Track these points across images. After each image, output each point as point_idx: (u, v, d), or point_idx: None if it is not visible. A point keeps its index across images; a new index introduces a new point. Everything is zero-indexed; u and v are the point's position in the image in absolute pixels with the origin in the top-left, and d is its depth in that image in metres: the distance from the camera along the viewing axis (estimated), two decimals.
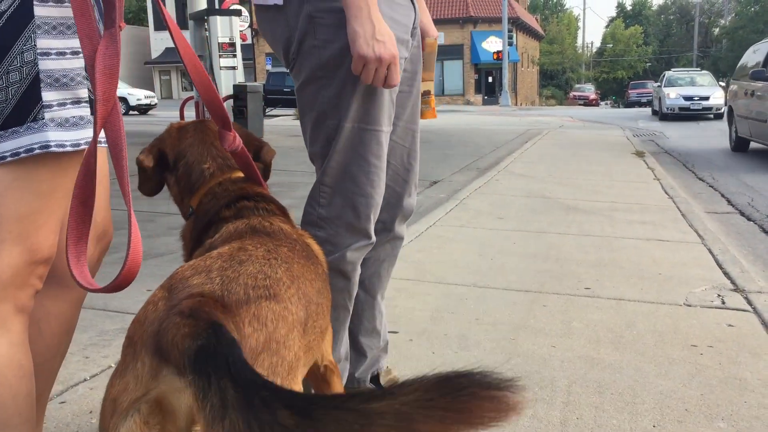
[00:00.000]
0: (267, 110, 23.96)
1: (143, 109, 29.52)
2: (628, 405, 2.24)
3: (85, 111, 1.24)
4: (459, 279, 3.63)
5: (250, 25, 19.02)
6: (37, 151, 1.18)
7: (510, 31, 38.17)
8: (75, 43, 1.22)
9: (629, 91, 44.94)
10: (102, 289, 1.13)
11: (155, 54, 44.92)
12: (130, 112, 28.72)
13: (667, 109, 21.41)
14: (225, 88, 14.32)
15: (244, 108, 13.76)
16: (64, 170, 1.24)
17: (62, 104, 1.21)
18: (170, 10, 42.33)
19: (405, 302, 3.24)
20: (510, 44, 37.85)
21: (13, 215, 1.19)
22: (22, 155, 1.17)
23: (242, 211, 1.45)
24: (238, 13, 15.53)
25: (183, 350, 0.88)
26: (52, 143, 1.19)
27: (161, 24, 42.11)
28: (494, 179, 7.60)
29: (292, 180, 7.43)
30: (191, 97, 14.15)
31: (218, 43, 14.62)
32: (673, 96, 21.60)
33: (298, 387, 1.04)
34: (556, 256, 4.20)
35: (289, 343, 1.04)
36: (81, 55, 1.22)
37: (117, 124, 1.16)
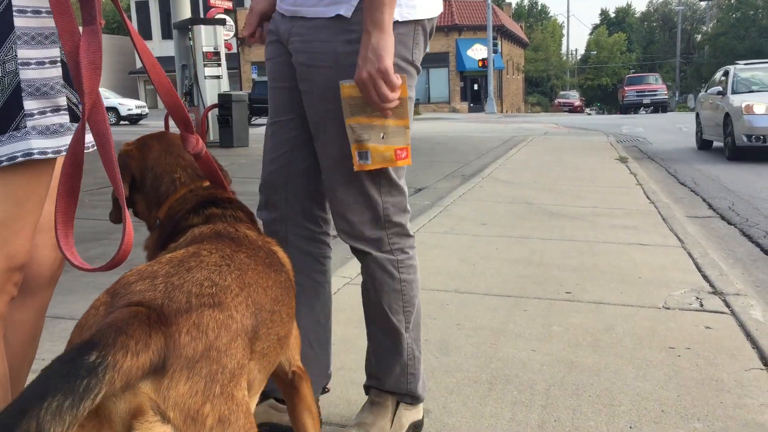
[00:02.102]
0: (252, 119, 23.94)
1: (134, 119, 29.39)
2: (606, 407, 2.27)
3: (64, 119, 1.26)
4: (441, 285, 3.65)
5: (236, 35, 19.05)
6: (20, 159, 1.19)
7: (495, 38, 38.39)
8: (53, 52, 1.24)
9: (625, 90, 35.20)
10: (98, 269, 1.19)
11: (140, 64, 44.75)
12: (121, 123, 28.53)
13: (754, 138, 10.73)
14: (210, 97, 14.34)
15: (229, 117, 13.77)
16: (38, 177, 1.25)
17: (43, 112, 1.22)
18: (154, 19, 42.29)
19: None
20: (495, 52, 38.04)
21: None
22: (4, 163, 1.18)
23: (210, 217, 1.45)
24: (222, 22, 15.56)
25: None
26: (35, 151, 1.21)
27: (146, 34, 41.98)
28: (478, 186, 7.64)
29: None
30: (214, 105, 14.11)
31: (202, 53, 14.64)
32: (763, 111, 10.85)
33: (243, 392, 1.04)
34: (538, 261, 4.23)
35: (231, 351, 1.03)
36: (59, 64, 1.24)
37: (102, 116, 1.20)
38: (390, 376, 1.98)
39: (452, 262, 4.16)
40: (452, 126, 21.82)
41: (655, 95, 31.91)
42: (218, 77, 14.83)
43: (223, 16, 17.01)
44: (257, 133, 18.10)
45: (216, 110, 14.01)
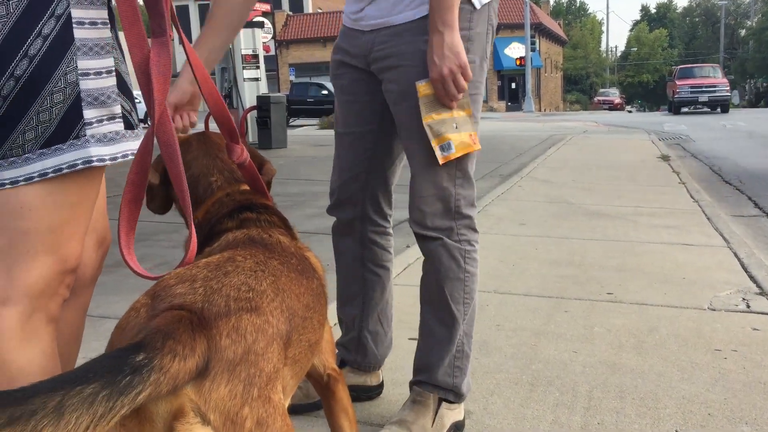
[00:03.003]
0: (290, 120, 24.14)
1: None
2: (650, 410, 2.23)
3: (119, 126, 1.29)
4: (480, 285, 3.55)
5: (273, 37, 19.24)
6: (81, 166, 1.23)
7: (533, 36, 38.08)
8: (108, 62, 1.27)
9: (676, 84, 27.50)
10: (158, 277, 1.19)
11: (179, 67, 45.44)
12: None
13: None
14: (248, 99, 14.50)
15: (267, 119, 13.91)
16: (91, 182, 1.29)
17: (100, 121, 1.26)
18: (194, 23, 42.89)
19: None
20: (533, 50, 37.73)
21: (46, 227, 1.24)
22: (65, 171, 1.22)
23: (244, 222, 1.46)
24: (260, 25, 15.72)
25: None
26: (95, 158, 1.24)
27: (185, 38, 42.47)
28: (517, 185, 7.58)
29: (313, 189, 7.48)
30: (253, 108, 14.29)
31: (241, 55, 14.81)
32: None
33: (279, 395, 1.05)
34: (579, 261, 4.18)
35: (268, 355, 1.04)
36: (114, 73, 1.28)
37: (168, 125, 1.26)
38: (439, 368, 2.03)
39: (491, 262, 4.14)
40: (490, 125, 21.70)
41: (714, 91, 25.85)
42: (257, 79, 14.98)
43: (261, 18, 17.19)
44: (295, 134, 18.28)
45: (255, 112, 14.16)
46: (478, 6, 1.90)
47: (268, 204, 1.56)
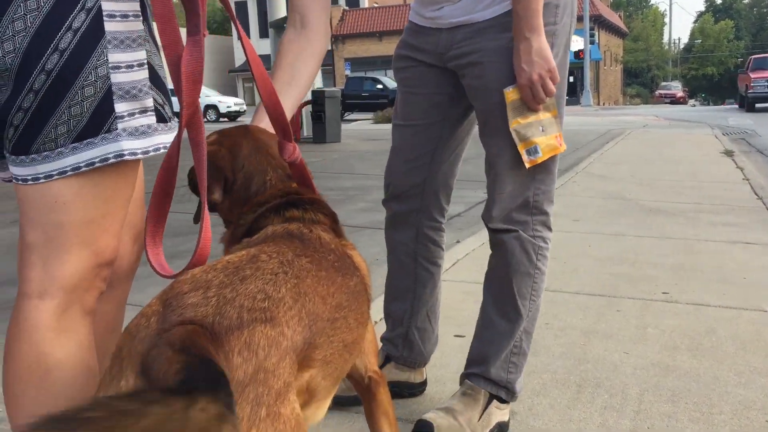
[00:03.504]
0: (345, 115, 24.25)
1: (233, 116, 30.49)
2: (704, 415, 2.14)
3: (151, 120, 1.29)
4: None
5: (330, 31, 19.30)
6: (112, 160, 1.23)
7: (592, 29, 37.33)
8: (140, 55, 1.27)
9: (750, 76, 23.65)
10: (176, 275, 1.19)
11: (239, 62, 46.20)
12: (221, 119, 29.68)
13: None
14: None
15: (322, 113, 14.00)
16: (125, 176, 1.29)
17: (132, 114, 1.25)
18: (252, 19, 43.48)
19: (473, 306, 3.16)
20: (592, 43, 36.99)
21: (80, 221, 1.24)
22: (97, 164, 1.22)
23: (288, 217, 1.43)
24: None
25: (172, 387, 0.85)
26: (126, 152, 1.24)
27: (247, 33, 43.06)
28: (571, 180, 7.43)
29: (366, 184, 7.49)
30: (308, 102, 14.44)
31: None
32: None
33: (292, 406, 1.01)
34: (633, 259, 4.07)
35: (279, 372, 1.00)
36: (146, 66, 1.27)
37: (199, 126, 1.25)
38: (495, 362, 2.02)
39: None
40: None
41: None
42: None
43: None
44: (349, 129, 18.36)
45: (309, 107, 14.27)
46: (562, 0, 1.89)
47: (317, 200, 1.52)
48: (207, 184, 1.48)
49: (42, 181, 1.20)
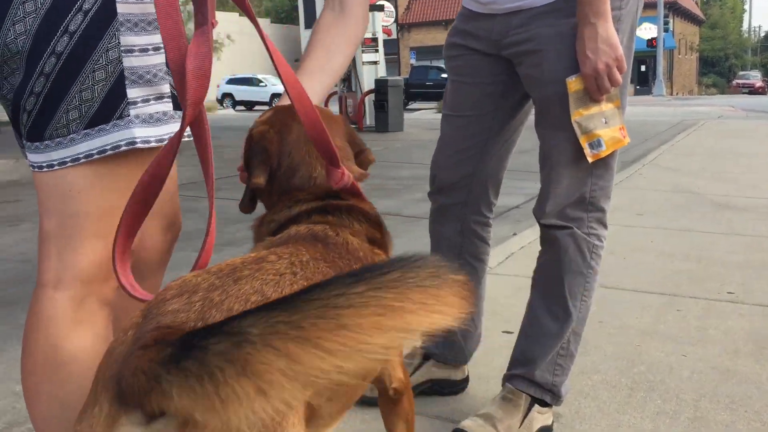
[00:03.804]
0: (408, 104, 24.14)
1: None
2: (765, 425, 2.01)
3: (167, 106, 1.25)
4: None
5: (396, 20, 19.22)
6: (124, 147, 1.20)
7: (666, 16, 36.09)
8: (156, 39, 1.22)
9: None
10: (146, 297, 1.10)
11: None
12: None
13: None
14: (366, 82, 14.59)
15: (385, 102, 13.96)
16: (142, 165, 1.25)
17: (146, 100, 1.22)
18: (319, 8, 43.64)
19: (523, 301, 3.06)
20: (665, 30, 35.75)
21: (96, 211, 1.22)
22: (109, 152, 1.19)
23: (320, 219, 1.31)
24: (380, 8, 15.73)
25: (150, 374, 0.76)
26: (138, 140, 1.20)
27: (311, 22, 43.48)
28: (638, 173, 7.18)
29: (424, 173, 7.38)
30: (335, 93, 14.51)
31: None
32: None
33: (296, 424, 0.88)
34: (698, 256, 3.88)
35: None
36: (162, 51, 1.22)
37: (204, 129, 1.16)
38: (540, 363, 1.93)
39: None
40: None
41: None
42: (375, 63, 15.05)
43: (383, 2, 17.22)
44: (412, 118, 18.25)
45: (372, 95, 14.24)
46: None
47: (357, 207, 1.36)
48: (253, 165, 1.41)
49: (56, 168, 1.18)
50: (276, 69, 1.28)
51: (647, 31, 38.65)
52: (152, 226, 1.39)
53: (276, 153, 1.41)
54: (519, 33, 1.81)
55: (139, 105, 1.20)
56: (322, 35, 1.64)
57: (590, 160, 1.77)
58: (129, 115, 1.19)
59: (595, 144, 1.76)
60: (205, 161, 1.19)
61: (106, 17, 1.17)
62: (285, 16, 53.86)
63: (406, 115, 14.81)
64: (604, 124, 1.76)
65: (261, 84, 33.85)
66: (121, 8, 1.18)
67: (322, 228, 1.25)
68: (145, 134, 1.21)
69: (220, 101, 33.83)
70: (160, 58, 1.23)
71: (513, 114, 2.00)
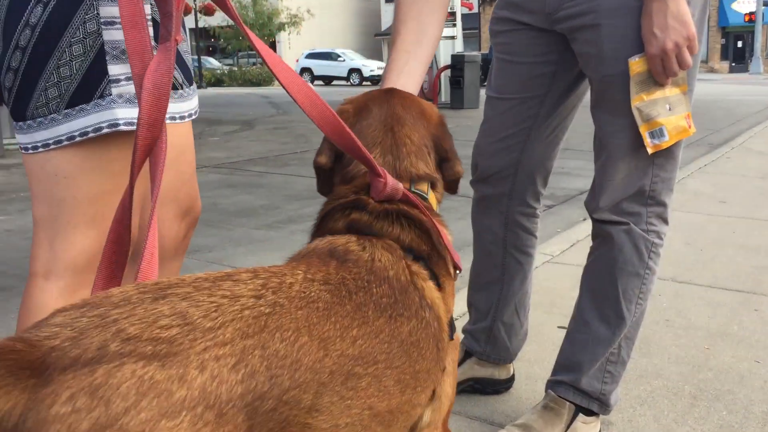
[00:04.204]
0: (486, 80, 23.67)
1: (376, 80, 30.89)
2: None
3: None
4: None
5: None
6: (106, 130, 1.12)
7: None
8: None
9: None
10: None
11: (385, 26, 46.31)
12: (363, 83, 30.09)
13: None
14: (443, 57, 14.36)
15: (461, 78, 13.71)
16: (131, 147, 1.17)
17: (130, 78, 1.13)
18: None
19: None
20: (765, 4, 33.72)
21: (85, 197, 1.15)
22: (90, 134, 1.12)
23: (351, 223, 1.14)
24: None
25: None
26: (121, 121, 1.12)
27: None
28: (725, 156, 6.76)
29: None
30: (447, 66, 14.20)
31: None
32: None
33: None
34: None
35: None
36: (149, 22, 1.13)
37: (159, 159, 0.95)
38: (588, 370, 1.77)
39: (675, 244, 3.66)
40: (707, 88, 19.74)
41: None
42: (452, 38, 14.78)
43: None
44: None
45: (448, 71, 14.00)
46: None
47: (406, 210, 1.16)
48: (322, 143, 1.26)
49: (41, 150, 1.12)
50: (268, 67, 1.07)
51: (744, 4, 36.60)
52: (166, 212, 1.32)
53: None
54: (576, 5, 1.63)
55: (123, 83, 1.12)
56: (409, 4, 1.52)
57: (650, 151, 1.58)
58: (111, 95, 1.11)
59: (657, 133, 1.57)
60: (154, 193, 0.95)
61: None
62: None
63: (482, 92, 14.50)
64: (668, 111, 1.56)
65: (339, 59, 34.05)
66: None
67: (345, 240, 1.08)
68: (130, 115, 1.12)
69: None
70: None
71: (565, 97, 1.83)
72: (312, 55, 34.90)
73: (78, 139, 1.12)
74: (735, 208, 4.56)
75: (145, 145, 0.94)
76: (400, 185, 1.14)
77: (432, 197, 1.25)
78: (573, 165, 6.51)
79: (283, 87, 1.03)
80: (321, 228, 1.18)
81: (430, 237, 1.16)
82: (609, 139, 1.66)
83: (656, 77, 1.54)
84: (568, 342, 1.83)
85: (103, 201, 1.16)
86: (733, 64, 38.60)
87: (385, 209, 1.15)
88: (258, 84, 28.93)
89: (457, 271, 1.21)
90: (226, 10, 1.04)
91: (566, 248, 3.52)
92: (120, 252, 0.95)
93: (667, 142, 1.58)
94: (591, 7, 1.59)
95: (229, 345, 0.79)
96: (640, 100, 1.57)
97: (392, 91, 1.32)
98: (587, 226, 3.96)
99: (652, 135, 1.58)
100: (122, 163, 1.16)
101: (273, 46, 40.72)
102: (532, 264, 2.03)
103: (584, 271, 1.82)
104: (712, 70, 38.06)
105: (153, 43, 1.15)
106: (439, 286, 1.14)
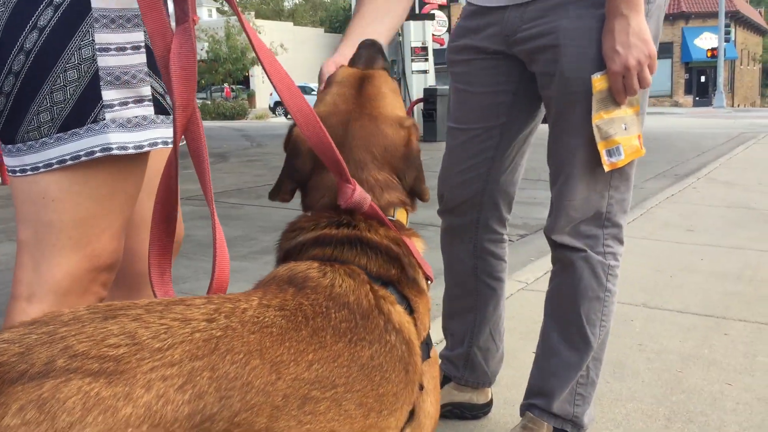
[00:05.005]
0: None
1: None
2: None
3: (148, 110, 1.18)
4: (627, 297, 3.26)
5: (448, 30, 19.06)
6: (98, 154, 1.14)
7: (727, 25, 35.07)
8: (136, 37, 1.16)
9: None
10: None
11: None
12: None
13: None
14: (416, 91, 14.54)
15: (433, 111, 13.87)
16: (124, 173, 1.19)
17: (124, 103, 1.15)
18: None
19: None
20: (727, 40, 34.75)
21: (71, 220, 1.16)
22: (83, 158, 1.13)
23: (313, 255, 1.12)
24: (431, 17, 15.70)
25: None
26: (114, 146, 1.14)
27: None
28: (691, 186, 6.91)
29: None
30: (420, 100, 14.27)
31: (410, 48, 14.89)
32: None
33: None
34: (751, 276, 3.67)
35: None
36: (143, 50, 1.16)
37: (197, 132, 1.04)
38: (560, 394, 1.78)
39: (645, 271, 3.73)
40: (672, 121, 20.21)
41: None
42: (425, 72, 14.99)
43: (434, 11, 17.18)
44: None
45: (421, 105, 14.17)
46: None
47: (363, 236, 1.14)
48: (283, 168, 1.23)
49: (29, 173, 1.13)
50: (260, 62, 1.10)
51: (707, 40, 37.68)
52: (148, 238, 1.33)
53: (306, 160, 1.19)
54: (536, 26, 1.64)
55: (116, 108, 1.14)
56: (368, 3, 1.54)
57: (606, 168, 1.61)
58: (104, 119, 1.13)
59: (614, 152, 1.61)
60: (202, 171, 1.06)
61: (79, 12, 1.11)
62: (339, 26, 54.26)
63: None
64: (624, 131, 1.60)
65: (313, 93, 34.12)
66: (96, 2, 1.12)
67: (306, 267, 1.07)
68: (122, 140, 1.14)
69: (272, 109, 34.32)
70: (140, 58, 1.16)
71: (524, 124, 1.84)
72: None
73: (69, 162, 1.13)
74: (702, 236, 4.66)
75: (182, 125, 0.99)
76: (368, 197, 1.13)
77: (401, 212, 1.23)
78: (546, 195, 6.59)
79: (265, 71, 1.06)
80: (286, 257, 1.15)
81: (398, 260, 1.14)
82: (567, 159, 1.67)
83: (616, 95, 1.57)
84: (537, 369, 1.85)
85: (89, 224, 1.16)
86: (697, 98, 39.55)
87: (348, 238, 1.13)
88: (231, 117, 28.91)
89: (429, 282, 1.21)
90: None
91: (540, 276, 3.56)
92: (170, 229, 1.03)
93: (622, 160, 1.62)
94: (550, 28, 1.61)
95: (177, 366, 0.79)
96: (599, 118, 1.59)
97: (362, 93, 1.23)
98: None
99: (610, 153, 1.61)
100: (110, 187, 1.17)
101: (246, 80, 40.85)
102: (503, 288, 2.05)
103: (547, 297, 1.85)
104: (676, 104, 38.94)
105: (147, 68, 1.18)
106: (411, 309, 1.13)
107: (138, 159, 1.20)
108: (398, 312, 1.09)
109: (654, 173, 8.21)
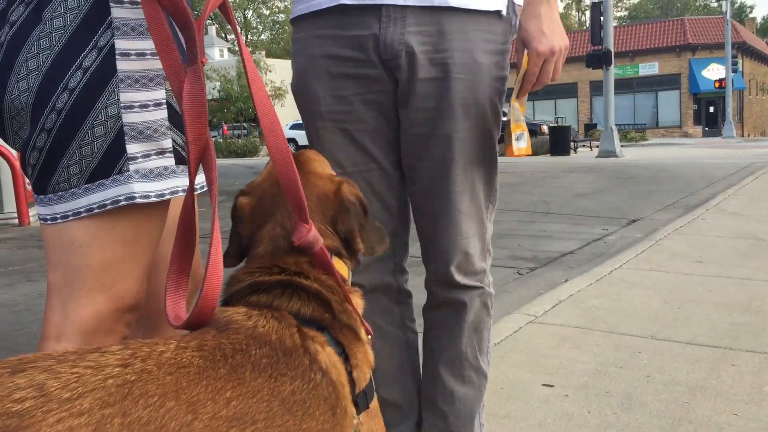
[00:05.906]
0: None
1: None
2: None
3: (169, 161, 1.27)
4: (635, 329, 3.30)
5: None
6: (123, 202, 1.22)
7: (734, 56, 35.31)
8: (158, 94, 1.25)
9: None
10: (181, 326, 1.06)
11: None
12: None
13: None
14: None
15: None
16: (147, 219, 1.27)
17: (147, 155, 1.24)
18: None
19: (567, 353, 2.99)
20: (734, 71, 34.94)
21: (98, 264, 1.24)
22: (109, 207, 1.22)
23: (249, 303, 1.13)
24: None
25: None
26: (137, 194, 1.22)
27: None
28: (700, 218, 6.94)
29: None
30: None
31: None
32: None
33: None
34: (759, 307, 3.69)
35: None
36: (164, 106, 1.26)
37: (211, 164, 1.09)
38: (472, 429, 1.73)
39: (654, 303, 3.76)
40: (681, 152, 20.28)
41: None
42: None
43: None
44: None
45: None
46: (512, 16, 1.59)
47: (293, 281, 1.15)
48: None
49: (59, 221, 1.22)
50: (252, 98, 1.17)
51: (715, 72, 37.87)
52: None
53: (248, 229, 1.26)
54: (417, 33, 1.50)
55: (139, 160, 1.22)
56: None
57: (515, 154, 1.59)
58: (128, 171, 1.21)
59: (521, 137, 1.60)
60: (211, 195, 1.10)
61: (105, 75, 1.20)
62: None
63: None
64: (524, 122, 1.61)
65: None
66: (121, 65, 1.21)
67: (231, 312, 1.07)
68: (145, 189, 1.23)
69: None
70: (161, 114, 1.25)
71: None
72: (296, 126, 35.45)
73: (96, 210, 1.21)
74: (711, 268, 4.69)
75: (196, 156, 1.07)
76: (321, 240, 1.15)
77: (339, 264, 1.23)
78: (555, 228, 6.65)
79: (255, 108, 1.14)
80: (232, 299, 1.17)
81: (328, 305, 1.15)
82: (460, 198, 1.58)
83: (528, 79, 1.50)
84: (439, 417, 1.73)
85: (115, 268, 1.24)
86: (706, 129, 39.64)
87: (280, 283, 1.14)
88: (243, 155, 29.26)
89: (369, 336, 1.22)
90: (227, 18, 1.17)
91: (549, 308, 3.60)
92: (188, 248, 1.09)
93: (525, 149, 1.61)
94: (440, 58, 1.51)
95: (86, 415, 0.78)
96: (514, 101, 1.57)
97: (302, 162, 1.29)
98: (570, 287, 4.06)
99: (518, 138, 1.59)
100: (134, 232, 1.25)
101: (257, 117, 41.40)
102: (412, 339, 1.84)
103: (430, 339, 1.74)
104: (686, 135, 39.04)
105: (168, 122, 1.27)
106: (345, 355, 1.13)
107: (160, 206, 1.28)
108: (327, 353, 1.08)
109: (663, 205, 8.25)
